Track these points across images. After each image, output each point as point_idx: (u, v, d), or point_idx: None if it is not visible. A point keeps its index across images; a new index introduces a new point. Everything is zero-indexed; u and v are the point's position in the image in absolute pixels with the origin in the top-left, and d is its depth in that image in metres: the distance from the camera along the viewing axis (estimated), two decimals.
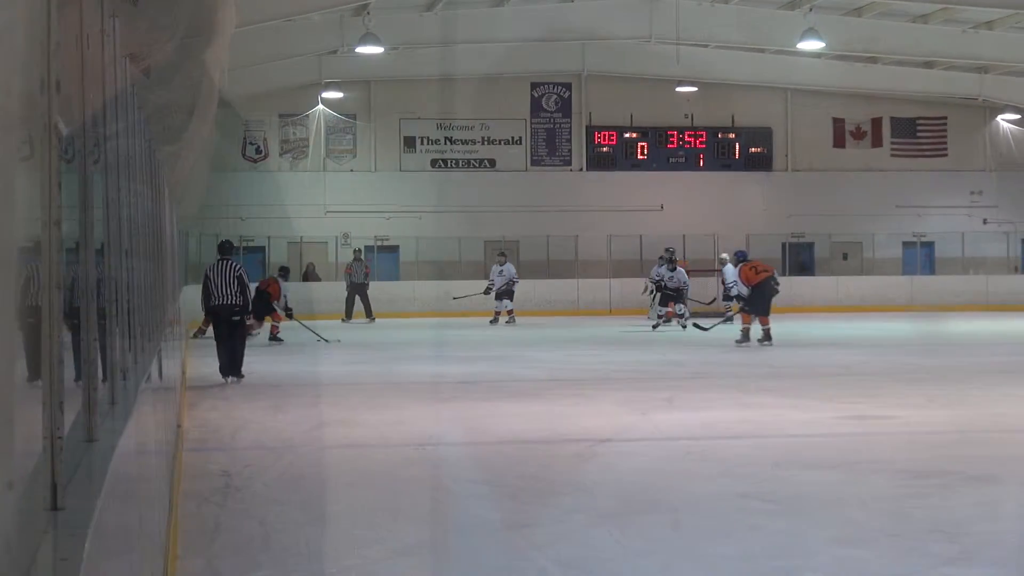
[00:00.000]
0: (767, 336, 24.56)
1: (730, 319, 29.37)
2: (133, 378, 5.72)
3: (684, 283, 30.51)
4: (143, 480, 5.10)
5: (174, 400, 11.96)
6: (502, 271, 33.97)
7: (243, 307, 18.39)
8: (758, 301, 24.83)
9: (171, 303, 15.31)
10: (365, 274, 36.02)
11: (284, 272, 29.15)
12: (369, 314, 35.62)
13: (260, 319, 27.23)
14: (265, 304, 26.61)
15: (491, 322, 33.60)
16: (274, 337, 27.57)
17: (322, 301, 35.19)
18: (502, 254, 35.33)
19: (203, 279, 19.02)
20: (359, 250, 37.53)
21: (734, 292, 27.58)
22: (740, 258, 26.47)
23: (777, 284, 25.42)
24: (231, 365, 18.35)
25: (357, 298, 35.92)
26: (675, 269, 30.51)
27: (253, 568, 7.33)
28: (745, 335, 24.92)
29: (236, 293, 18.18)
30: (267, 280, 28.29)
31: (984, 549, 7.72)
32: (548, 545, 7.81)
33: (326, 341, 26.25)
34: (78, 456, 3.36)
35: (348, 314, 35.73)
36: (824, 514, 8.78)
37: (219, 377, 18.43)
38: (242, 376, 18.41)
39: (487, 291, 34.17)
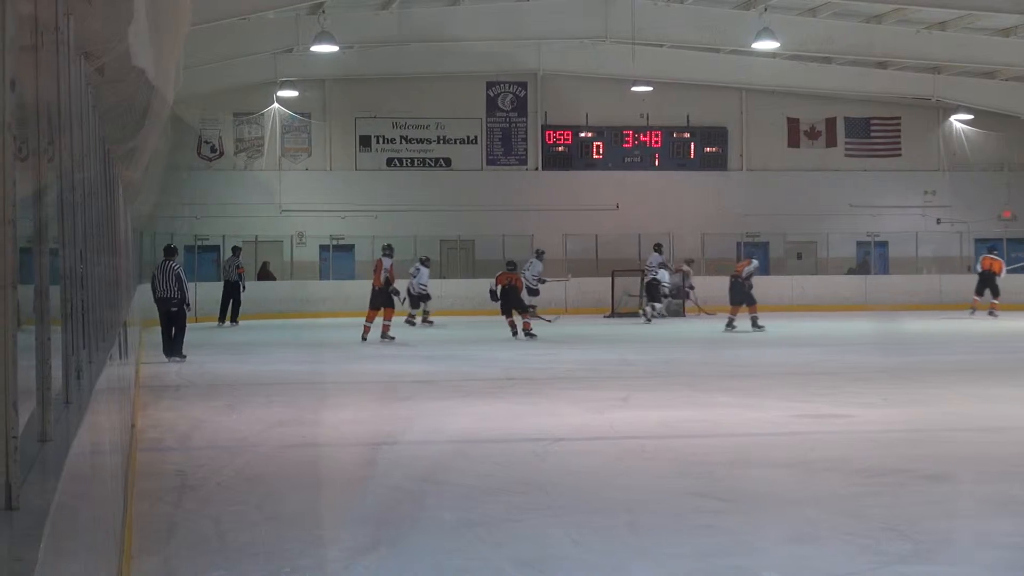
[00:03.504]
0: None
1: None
2: (88, 377, 5.70)
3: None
4: (98, 480, 5.07)
5: (129, 399, 11.91)
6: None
7: (180, 300, 21.61)
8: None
9: (126, 302, 15.27)
10: (238, 274, 33.96)
11: (389, 250, 28.26)
12: (235, 317, 33.68)
13: (508, 312, 27.42)
14: (514, 298, 27.23)
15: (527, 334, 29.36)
16: (385, 335, 26.68)
17: (277, 300, 35.06)
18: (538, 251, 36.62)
19: (151, 277, 22.51)
20: (238, 247, 35.57)
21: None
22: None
23: None
24: (173, 348, 21.59)
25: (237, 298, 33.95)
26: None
27: (208, 568, 7.30)
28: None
29: (175, 289, 21.54)
30: (506, 275, 27.95)
31: (937, 547, 7.77)
32: (504, 544, 7.82)
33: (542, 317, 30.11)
34: (32, 456, 3.34)
35: (222, 316, 33.74)
36: (778, 512, 8.82)
37: (174, 378, 18.97)
38: (184, 357, 21.47)
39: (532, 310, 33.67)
